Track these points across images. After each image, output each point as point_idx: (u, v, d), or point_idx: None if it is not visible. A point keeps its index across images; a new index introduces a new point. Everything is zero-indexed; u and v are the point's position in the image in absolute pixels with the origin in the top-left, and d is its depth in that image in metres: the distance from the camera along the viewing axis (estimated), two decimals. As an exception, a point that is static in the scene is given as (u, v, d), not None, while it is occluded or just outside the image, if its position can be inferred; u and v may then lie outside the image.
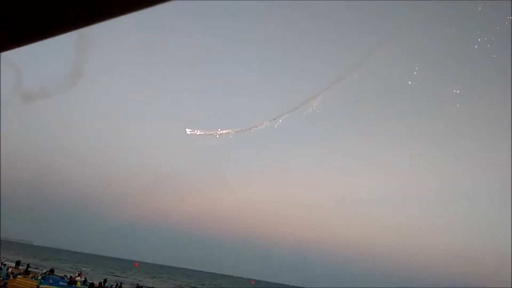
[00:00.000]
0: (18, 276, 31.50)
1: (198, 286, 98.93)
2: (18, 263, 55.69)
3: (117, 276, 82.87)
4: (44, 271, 44.44)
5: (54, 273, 41.37)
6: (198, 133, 30.36)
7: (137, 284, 46.56)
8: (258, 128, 31.52)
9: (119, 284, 40.11)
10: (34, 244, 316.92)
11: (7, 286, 26.93)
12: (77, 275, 45.05)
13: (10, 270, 37.93)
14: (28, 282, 27.43)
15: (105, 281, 27.51)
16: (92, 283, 32.43)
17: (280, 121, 30.98)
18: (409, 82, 62.99)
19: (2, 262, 41.95)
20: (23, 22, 1.40)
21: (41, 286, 25.30)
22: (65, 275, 42.30)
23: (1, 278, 30.65)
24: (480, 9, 39.04)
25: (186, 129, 30.22)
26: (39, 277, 31.79)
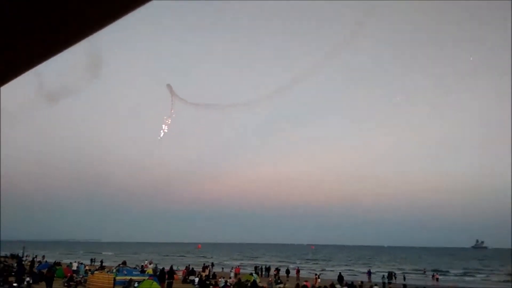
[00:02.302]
0: (95, 272, 33.26)
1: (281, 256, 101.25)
2: (92, 260, 59.35)
3: (182, 257, 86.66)
4: (117, 264, 46.98)
5: (126, 264, 43.65)
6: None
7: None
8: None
9: (187, 266, 41.54)
10: (103, 241, 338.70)
11: (87, 282, 28.43)
12: (147, 263, 47.29)
13: (87, 267, 40.34)
14: (105, 275, 28.77)
15: (171, 267, 28.52)
16: (163, 269, 33.60)
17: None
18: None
19: (79, 262, 44.75)
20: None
21: (117, 277, 26.44)
22: (137, 265, 44.47)
23: (81, 276, 32.55)
24: None
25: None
26: (114, 270, 33.33)
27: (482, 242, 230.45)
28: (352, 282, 30.21)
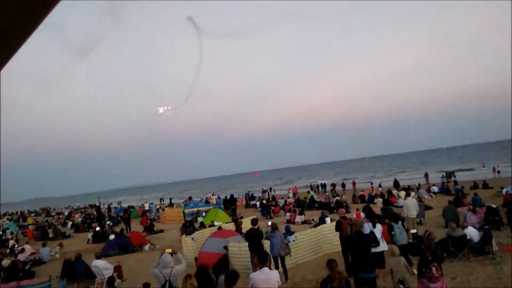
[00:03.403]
0: (166, 208, 36.26)
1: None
2: (161, 199, 64.33)
3: (243, 184, 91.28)
4: (184, 199, 50.68)
5: (192, 199, 47.01)
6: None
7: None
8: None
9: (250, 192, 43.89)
10: (167, 182, 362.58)
11: (160, 218, 31.20)
12: (211, 195, 50.51)
13: (158, 206, 44.04)
14: (175, 210, 31.38)
15: (231, 195, 30.31)
16: (225, 197, 35.82)
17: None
18: None
19: (150, 202, 48.87)
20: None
21: (185, 210, 28.73)
22: (201, 198, 47.75)
23: (153, 214, 35.71)
24: None
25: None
26: (182, 205, 36.02)
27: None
28: (409, 186, 30.44)
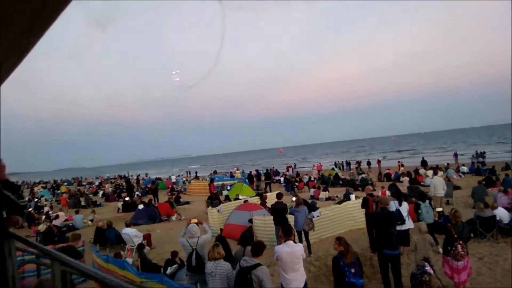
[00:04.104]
0: (192, 181, 37.05)
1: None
2: (188, 172, 65.65)
3: (268, 160, 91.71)
4: (209, 172, 51.54)
5: (217, 172, 47.79)
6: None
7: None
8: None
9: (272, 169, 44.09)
10: (192, 155, 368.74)
11: (187, 190, 31.95)
12: (236, 170, 51.08)
13: (184, 179, 45.01)
14: (200, 183, 32.03)
15: (257, 170, 30.78)
16: (250, 172, 36.18)
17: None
18: None
19: (177, 175, 50.01)
20: None
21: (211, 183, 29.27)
22: (226, 172, 48.41)
23: (180, 186, 36.58)
24: None
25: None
26: (207, 178, 36.65)
27: None
28: (437, 166, 29.74)
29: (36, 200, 30.24)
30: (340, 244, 6.29)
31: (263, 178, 29.76)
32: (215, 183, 29.08)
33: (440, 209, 11.31)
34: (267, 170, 33.60)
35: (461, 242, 6.59)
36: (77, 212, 19.66)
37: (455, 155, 42.00)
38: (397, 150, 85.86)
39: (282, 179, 32.71)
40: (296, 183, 27.84)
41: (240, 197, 19.51)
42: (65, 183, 60.51)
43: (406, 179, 23.71)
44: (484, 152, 40.57)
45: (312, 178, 30.34)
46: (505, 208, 12.11)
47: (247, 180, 28.89)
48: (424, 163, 34.46)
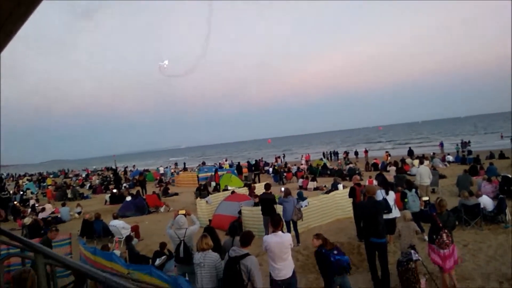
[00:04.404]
0: (180, 172, 36.90)
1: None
2: (176, 164, 65.35)
3: (256, 151, 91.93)
4: (197, 164, 51.40)
5: (206, 164, 47.67)
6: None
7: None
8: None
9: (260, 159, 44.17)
10: (182, 147, 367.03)
11: (175, 181, 31.82)
12: (224, 160, 51.02)
13: (172, 170, 44.80)
14: (189, 174, 31.93)
15: (248, 162, 30.85)
16: (239, 163, 36.18)
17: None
18: None
19: (165, 166, 49.73)
20: None
21: (199, 174, 29.19)
22: (215, 163, 48.32)
23: (168, 177, 36.41)
24: None
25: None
26: (196, 169, 36.56)
27: None
28: (423, 155, 30.12)
29: (21, 193, 29.78)
30: (318, 238, 6.68)
31: (252, 168, 29.79)
32: (203, 174, 29.03)
33: (426, 198, 11.48)
34: (256, 161, 33.77)
35: (446, 230, 6.69)
36: (63, 205, 19.44)
37: (441, 144, 42.65)
38: (385, 140, 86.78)
39: (270, 169, 32.80)
40: (285, 174, 27.96)
41: (229, 188, 19.52)
42: (51, 176, 59.72)
43: (393, 169, 23.96)
44: (469, 142, 41.28)
45: (300, 169, 30.48)
46: (489, 196, 12.36)
47: (235, 171, 28.87)
48: (410, 153, 34.90)
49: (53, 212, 19.16)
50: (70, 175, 58.02)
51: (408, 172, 22.45)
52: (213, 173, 27.53)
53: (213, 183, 24.44)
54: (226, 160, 52.37)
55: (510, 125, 60.97)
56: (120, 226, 12.67)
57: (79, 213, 19.03)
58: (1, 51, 1.75)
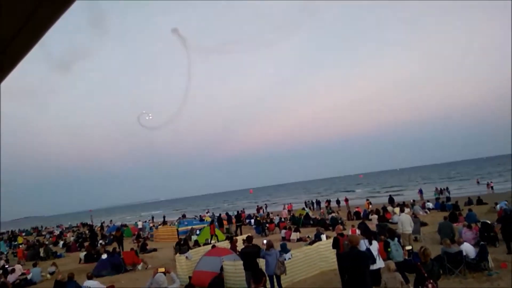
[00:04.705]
0: (159, 226, 35.80)
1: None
2: (153, 218, 63.62)
3: (237, 201, 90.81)
4: (177, 217, 50.17)
5: (186, 216, 46.59)
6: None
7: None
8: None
9: (240, 211, 43.54)
10: (161, 199, 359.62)
11: (154, 236, 30.78)
12: (205, 213, 50.08)
13: (151, 224, 43.48)
14: (168, 228, 30.98)
15: (227, 213, 30.34)
16: (219, 215, 35.53)
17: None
18: None
19: (144, 221, 48.34)
20: None
21: (179, 228, 28.40)
22: (195, 216, 47.29)
23: (147, 232, 35.24)
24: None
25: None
26: (176, 223, 35.62)
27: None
28: (404, 202, 30.47)
29: (-11, 253, 28.11)
30: None
31: (234, 220, 29.27)
32: (183, 228, 28.26)
33: (409, 247, 11.39)
34: (237, 212, 33.24)
35: (431, 281, 6.61)
36: (35, 265, 18.36)
37: (420, 191, 43.24)
38: (365, 188, 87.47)
39: (252, 221, 32.27)
40: (267, 225, 27.52)
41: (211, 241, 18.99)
42: (23, 233, 56.95)
43: (375, 217, 24.00)
44: (446, 188, 42.02)
45: (282, 219, 30.11)
46: (470, 243, 12.39)
47: (216, 223, 28.27)
48: (391, 201, 35.16)
49: (23, 273, 18.02)
50: (44, 233, 55.48)
51: (390, 220, 22.49)
52: (193, 226, 26.85)
53: (194, 237, 23.73)
54: (207, 212, 51.39)
55: (485, 171, 62.83)
56: (95, 287, 11.98)
57: (52, 273, 17.96)
58: (5, 78, 1.68)
